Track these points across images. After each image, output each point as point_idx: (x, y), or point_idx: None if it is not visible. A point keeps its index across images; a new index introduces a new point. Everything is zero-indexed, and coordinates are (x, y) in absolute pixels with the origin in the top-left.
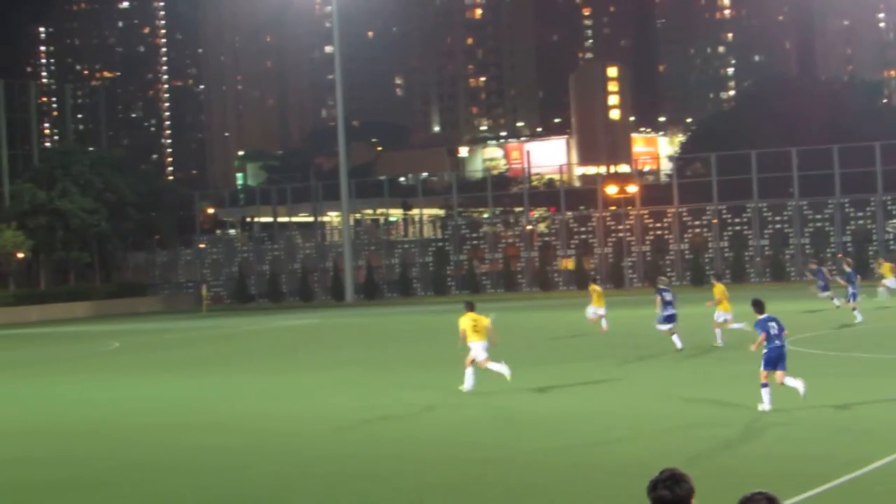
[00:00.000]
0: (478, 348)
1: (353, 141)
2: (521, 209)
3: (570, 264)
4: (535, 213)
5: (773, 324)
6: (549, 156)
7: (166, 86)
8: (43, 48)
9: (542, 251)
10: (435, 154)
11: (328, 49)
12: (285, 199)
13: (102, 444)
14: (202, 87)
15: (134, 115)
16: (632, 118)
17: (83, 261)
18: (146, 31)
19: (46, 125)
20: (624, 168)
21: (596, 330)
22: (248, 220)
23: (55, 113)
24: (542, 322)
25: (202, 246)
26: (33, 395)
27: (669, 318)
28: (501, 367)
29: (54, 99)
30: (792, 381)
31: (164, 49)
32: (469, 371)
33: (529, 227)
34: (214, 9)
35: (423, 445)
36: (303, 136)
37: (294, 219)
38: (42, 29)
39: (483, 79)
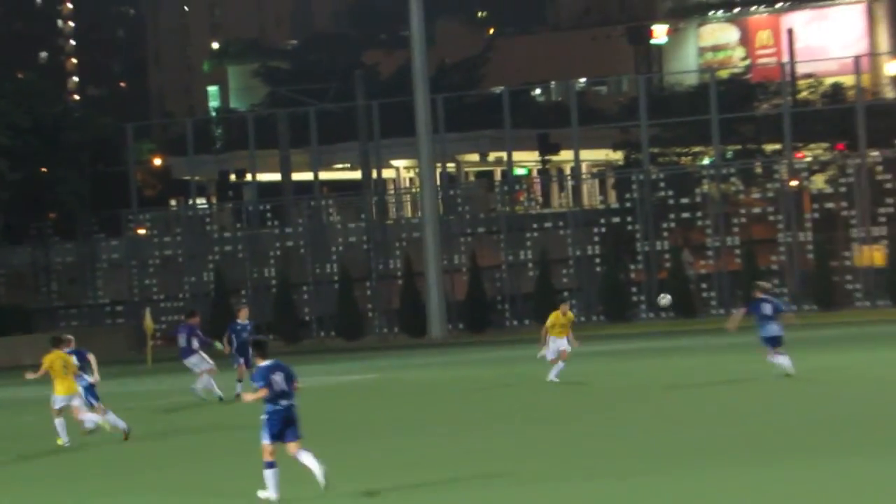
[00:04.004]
0: (61, 400)
1: (437, 17)
2: (777, 148)
3: (877, 257)
4: (806, 155)
5: (279, 375)
6: (832, 39)
7: None
8: None
9: (820, 231)
10: (603, 40)
11: None
12: (306, 137)
13: None
14: None
15: None
16: None
17: None
18: None
19: None
20: None
21: None
22: (233, 178)
23: None
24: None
25: (142, 232)
26: None
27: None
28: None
29: None
30: (310, 460)
31: None
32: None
33: (795, 184)
34: None
35: None
36: (336, 13)
37: (325, 174)
38: None
39: None
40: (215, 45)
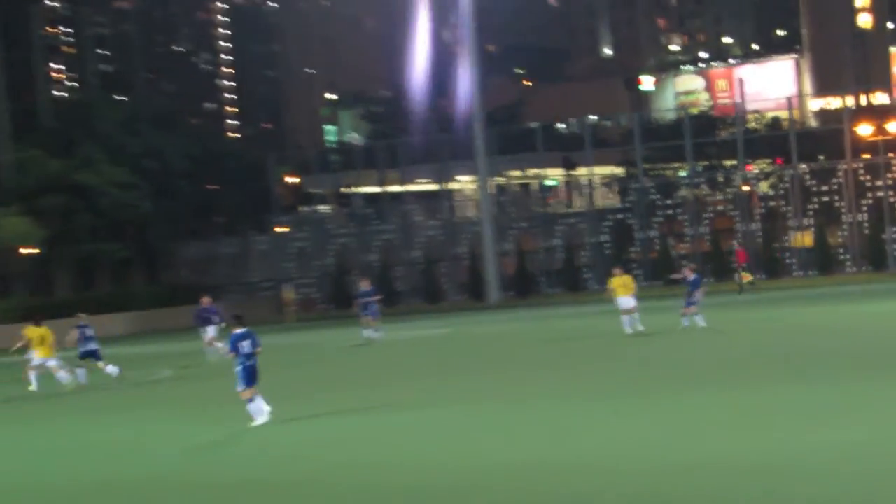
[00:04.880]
0: (53, 363)
1: (490, 74)
2: (733, 163)
3: (807, 240)
4: (754, 168)
5: (246, 342)
6: (771, 85)
7: (223, 6)
8: None
9: (765, 222)
10: (607, 88)
11: None
12: (397, 160)
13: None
14: (274, 5)
15: (179, 50)
16: (890, 25)
17: (118, 255)
18: None
19: (58, 67)
20: (882, 98)
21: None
22: (346, 190)
23: (69, 49)
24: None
25: (283, 230)
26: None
27: (91, 354)
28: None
29: (68, 30)
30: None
31: None
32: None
33: (746, 189)
34: None
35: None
36: (417, 72)
37: (411, 187)
38: None
39: None
40: (332, 97)
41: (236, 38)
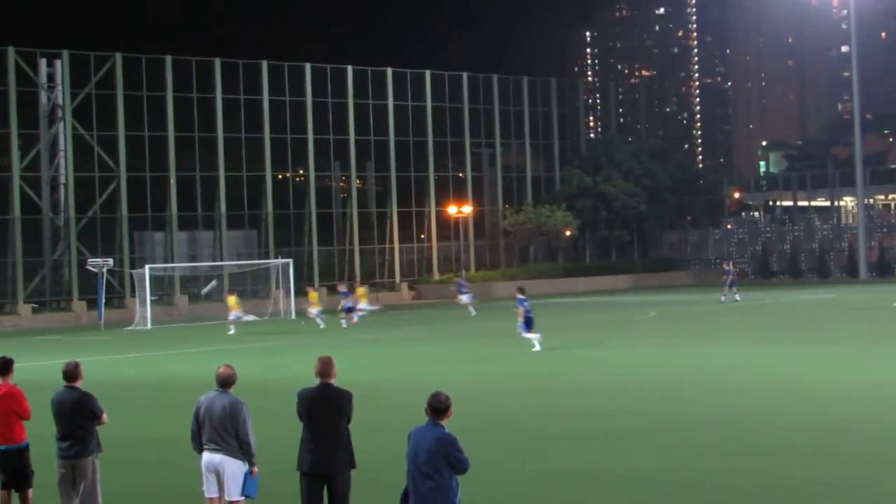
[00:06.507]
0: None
1: (867, 132)
2: None
3: None
4: None
5: (528, 304)
6: None
7: (697, 83)
8: (588, 50)
9: None
10: None
11: (844, 48)
12: (804, 185)
13: (642, 400)
14: (729, 84)
15: (668, 110)
16: None
17: (623, 239)
18: (679, 34)
19: (591, 118)
20: None
21: None
22: (770, 203)
23: (599, 108)
24: None
25: (729, 226)
26: (585, 356)
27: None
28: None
29: (598, 95)
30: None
31: (695, 50)
32: None
33: None
34: (741, 14)
35: None
36: (820, 128)
37: (812, 203)
38: (587, 33)
39: None
40: (763, 142)
41: (704, 104)
